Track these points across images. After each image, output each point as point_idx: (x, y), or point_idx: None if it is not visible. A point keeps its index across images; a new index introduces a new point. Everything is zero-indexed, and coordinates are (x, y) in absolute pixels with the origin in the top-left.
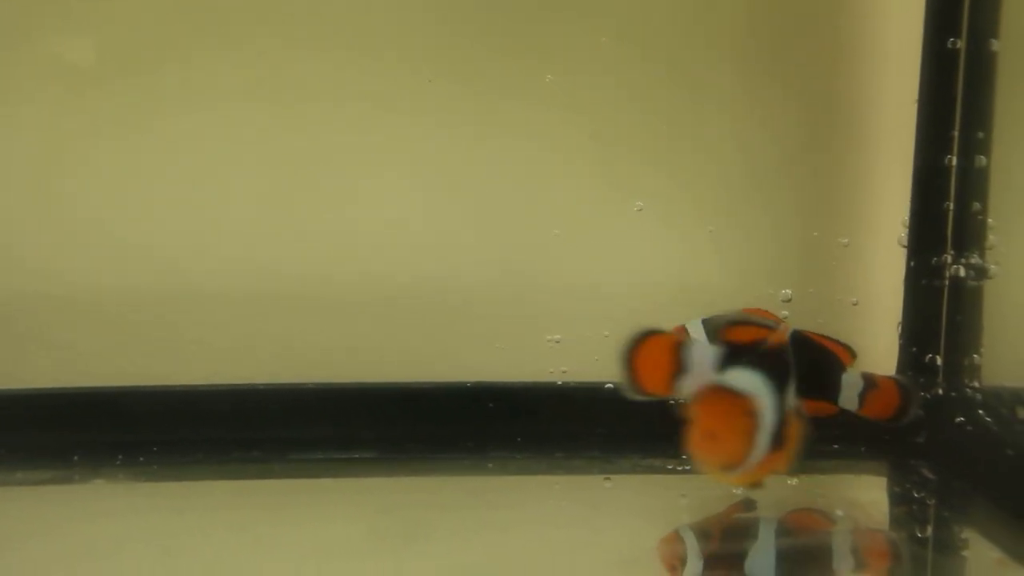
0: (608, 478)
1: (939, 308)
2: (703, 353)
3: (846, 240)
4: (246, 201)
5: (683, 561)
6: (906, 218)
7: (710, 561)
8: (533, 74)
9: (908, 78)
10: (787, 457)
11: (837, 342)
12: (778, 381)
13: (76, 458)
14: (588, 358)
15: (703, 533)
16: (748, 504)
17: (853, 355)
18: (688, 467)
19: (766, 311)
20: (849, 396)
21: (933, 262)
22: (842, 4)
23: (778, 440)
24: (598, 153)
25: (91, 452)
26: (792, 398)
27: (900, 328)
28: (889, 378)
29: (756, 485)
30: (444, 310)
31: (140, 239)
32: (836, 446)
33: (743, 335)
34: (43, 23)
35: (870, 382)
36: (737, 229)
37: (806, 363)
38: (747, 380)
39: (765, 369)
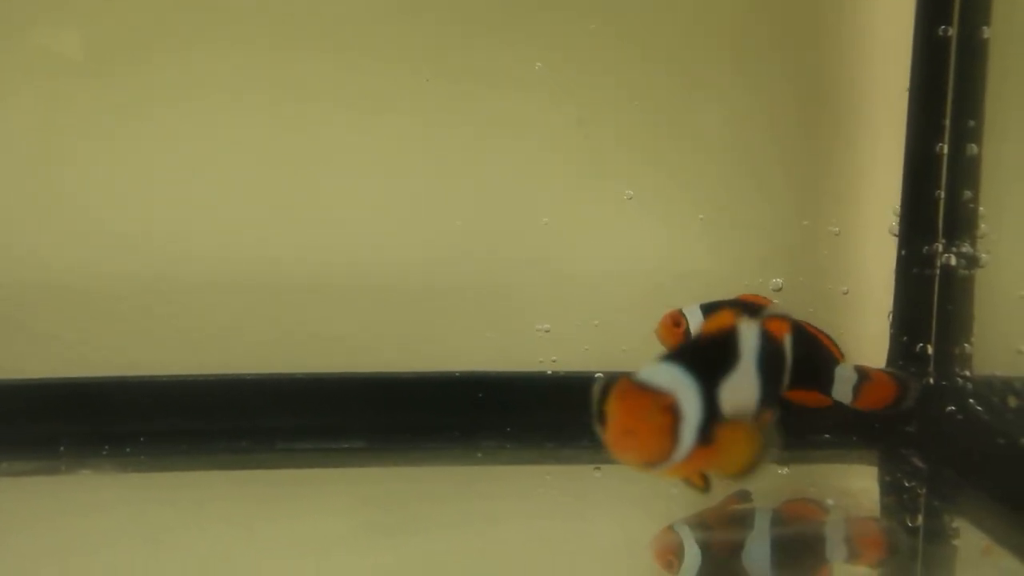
0: (598, 468)
1: (930, 297)
2: None
3: (837, 229)
4: (234, 192)
5: (679, 554)
6: (897, 207)
7: (706, 552)
8: (523, 64)
9: (899, 66)
10: (727, 452)
11: (828, 336)
12: (710, 374)
13: (62, 448)
14: (578, 347)
15: (698, 525)
16: (743, 495)
17: (841, 353)
18: None
19: (763, 297)
20: (843, 389)
21: (924, 251)
22: None
23: (708, 435)
24: (588, 142)
25: (77, 442)
26: (744, 390)
27: (891, 317)
28: (882, 371)
29: (698, 487)
30: (433, 300)
31: (128, 229)
32: (827, 435)
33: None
34: (40, 15)
35: (863, 375)
36: (728, 218)
37: (801, 354)
38: (665, 375)
39: (690, 362)
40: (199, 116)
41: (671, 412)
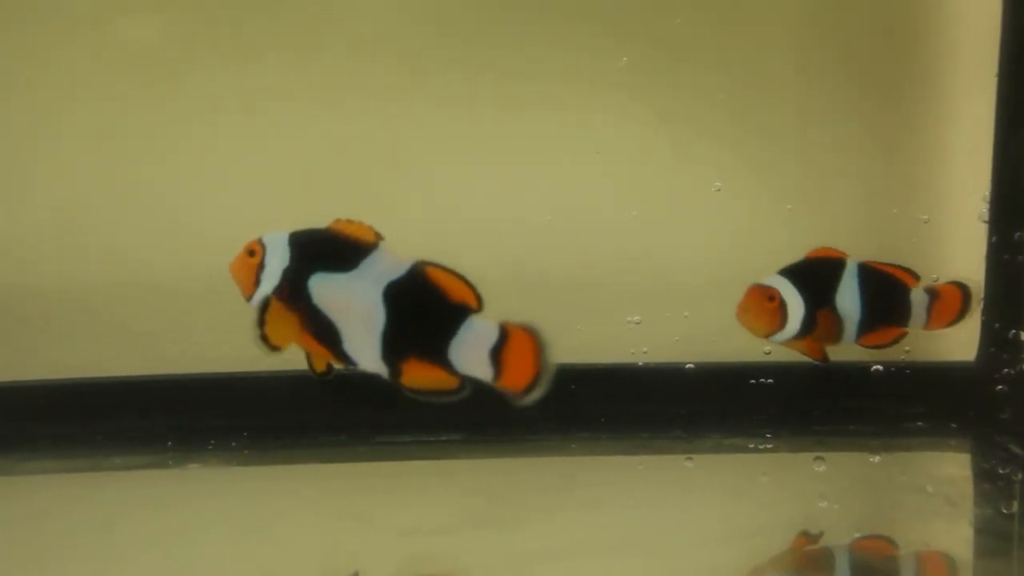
0: (690, 458)
1: (1022, 283)
2: None
3: (926, 216)
4: (322, 189)
5: None
6: (987, 193)
7: None
8: (606, 58)
9: (987, 52)
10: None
11: (899, 267)
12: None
13: (170, 443)
14: (668, 339)
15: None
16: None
17: (916, 277)
18: (770, 446)
19: (831, 249)
20: (918, 314)
21: (1015, 237)
22: None
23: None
24: (674, 134)
25: (184, 437)
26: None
27: (982, 304)
28: (947, 284)
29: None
30: (523, 293)
31: (215, 229)
32: (920, 423)
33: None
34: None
35: (933, 295)
36: (816, 207)
37: (875, 292)
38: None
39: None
40: (280, 117)
41: (258, 251)
